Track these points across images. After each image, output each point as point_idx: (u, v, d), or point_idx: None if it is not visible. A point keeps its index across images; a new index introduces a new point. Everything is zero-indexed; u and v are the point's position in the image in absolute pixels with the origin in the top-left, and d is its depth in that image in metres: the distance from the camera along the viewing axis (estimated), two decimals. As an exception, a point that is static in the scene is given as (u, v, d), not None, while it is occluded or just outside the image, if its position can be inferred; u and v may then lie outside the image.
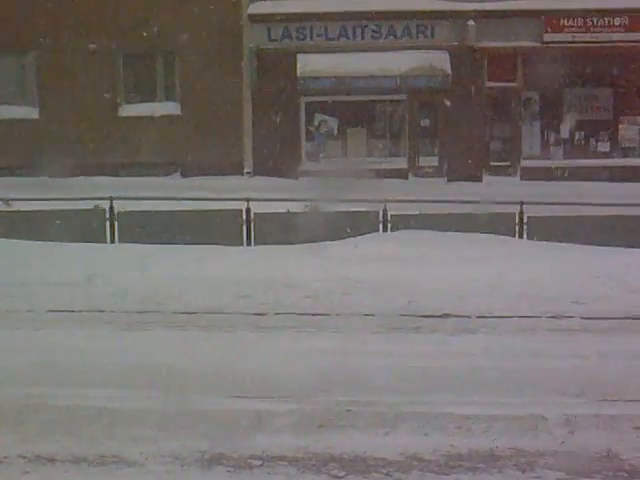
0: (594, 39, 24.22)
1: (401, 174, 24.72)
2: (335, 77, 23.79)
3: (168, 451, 7.40)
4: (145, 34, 23.84)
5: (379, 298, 11.61)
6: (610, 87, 25.12)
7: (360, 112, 25.07)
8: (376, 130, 25.17)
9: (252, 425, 7.89)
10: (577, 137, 25.19)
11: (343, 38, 24.32)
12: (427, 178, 24.66)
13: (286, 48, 24.19)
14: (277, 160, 24.45)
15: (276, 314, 11.11)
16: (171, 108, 24.71)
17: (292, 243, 14.21)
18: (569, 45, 24.28)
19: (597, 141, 25.19)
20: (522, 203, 14.72)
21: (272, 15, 24.03)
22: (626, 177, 24.36)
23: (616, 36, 24.21)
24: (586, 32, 24.25)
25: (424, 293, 11.81)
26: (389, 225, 14.87)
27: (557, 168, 24.66)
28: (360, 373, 9.03)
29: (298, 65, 23.80)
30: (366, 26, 24.24)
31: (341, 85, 23.89)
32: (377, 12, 23.95)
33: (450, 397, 8.54)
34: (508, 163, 25.09)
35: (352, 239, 14.15)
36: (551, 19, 24.14)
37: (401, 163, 24.95)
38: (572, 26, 24.24)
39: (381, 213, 14.90)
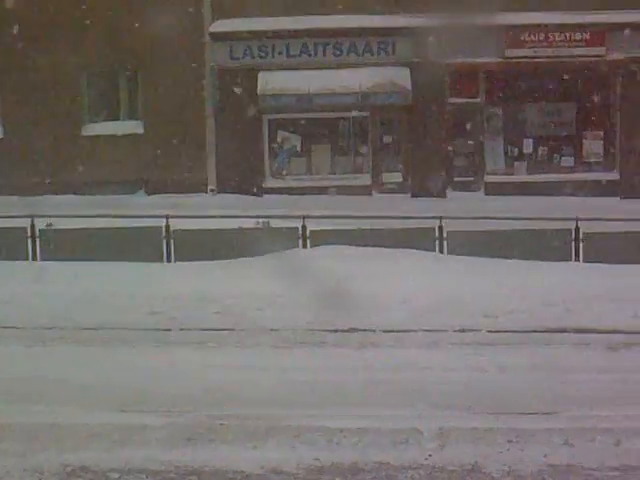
0: (556, 54, 24.23)
1: (365, 191, 24.74)
2: (296, 94, 23.86)
3: (32, 465, 7.43)
4: (109, 52, 23.96)
5: (289, 313, 11.64)
6: (573, 102, 25.12)
7: (323, 129, 25.13)
8: (340, 147, 25.21)
9: (123, 438, 7.92)
10: (541, 152, 25.17)
11: (305, 55, 24.38)
12: (391, 194, 24.66)
13: (248, 66, 24.26)
14: (241, 177, 24.52)
15: (181, 330, 11.14)
16: (134, 127, 24.77)
17: (223, 259, 14.24)
18: (531, 60, 24.30)
19: (561, 156, 25.17)
20: (441, 218, 14.72)
21: (234, 33, 24.10)
22: (590, 191, 24.36)
23: (577, 51, 24.21)
24: (547, 47, 24.26)
25: (335, 308, 11.83)
26: (308, 241, 14.86)
27: (521, 183, 24.66)
28: (247, 388, 9.05)
29: (259, 83, 23.88)
30: (328, 43, 24.31)
31: (302, 102, 23.95)
32: (338, 29, 24.00)
33: (330, 411, 8.56)
34: (472, 178, 25.10)
35: (275, 254, 14.16)
36: (512, 34, 24.17)
37: (365, 180, 24.97)
38: (533, 41, 24.26)
39: (300, 229, 14.90)
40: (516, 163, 25.17)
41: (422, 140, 24.60)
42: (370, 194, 24.79)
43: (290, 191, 24.44)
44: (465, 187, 24.99)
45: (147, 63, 24.14)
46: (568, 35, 24.20)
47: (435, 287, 12.62)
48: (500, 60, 24.37)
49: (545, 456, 7.75)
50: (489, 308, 12.02)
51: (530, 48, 24.28)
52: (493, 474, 7.40)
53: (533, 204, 22.29)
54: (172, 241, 15.29)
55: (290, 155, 25.10)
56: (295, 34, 24.14)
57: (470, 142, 25.10)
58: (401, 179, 24.98)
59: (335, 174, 25.07)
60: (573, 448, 7.91)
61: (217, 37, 24.24)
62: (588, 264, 14.29)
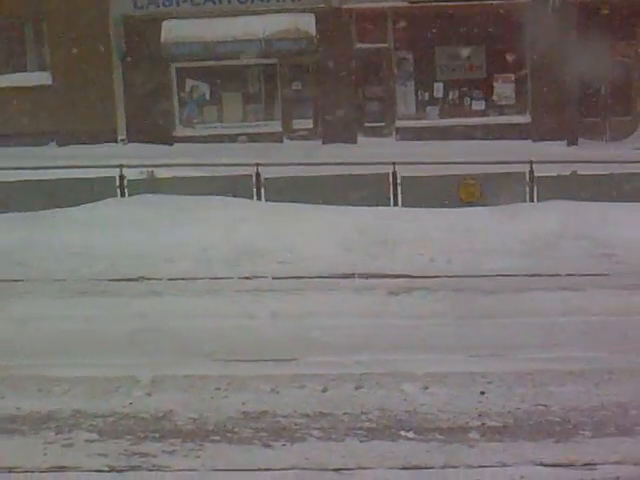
0: (462, -3, 24.06)
1: (276, 137, 24.76)
2: (199, 42, 23.81)
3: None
4: (12, 3, 23.88)
5: (83, 263, 11.79)
6: (483, 45, 24.97)
7: (233, 77, 25.10)
8: (251, 95, 25.20)
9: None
10: (451, 96, 25.11)
11: (209, 3, 24.27)
12: (302, 141, 24.67)
13: (153, 15, 24.19)
14: (152, 126, 24.52)
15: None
16: (43, 78, 24.76)
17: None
18: (438, 4, 24.13)
19: (472, 100, 25.10)
20: (257, 165, 14.76)
21: (138, -18, 24.02)
22: (502, 135, 24.34)
23: (485, -7, 24.06)
24: (454, -10, 24.11)
25: (132, 257, 11.99)
26: (126, 190, 14.89)
27: (433, 128, 24.64)
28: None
29: (162, 31, 23.82)
30: (233, -10, 24.21)
31: (206, 50, 23.90)
32: (243, -24, 23.91)
33: (59, 360, 8.73)
34: (383, 124, 25.07)
35: (90, 205, 14.19)
36: (418, -22, 24.02)
37: (275, 126, 24.99)
38: (440, -16, 24.09)
39: (117, 178, 14.91)
40: (428, 108, 25.13)
41: (331, 86, 24.54)
42: (281, 141, 24.82)
43: (201, 139, 24.48)
44: (376, 133, 24.96)
45: (52, 13, 24.08)
46: (475, -23, 23.98)
47: (241, 234, 12.72)
48: (406, 4, 24.21)
49: (243, 403, 7.91)
50: (288, 255, 12.17)
51: (437, -9, 24.09)
52: (179, 422, 7.57)
53: (453, 148, 22.14)
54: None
55: (200, 103, 25.07)
56: (200, -18, 24.01)
57: (381, 87, 24.99)
58: (311, 125, 24.96)
59: (246, 122, 25.05)
60: (277, 395, 8.07)
61: (121, -14, 24.13)
62: (406, 208, 14.34)
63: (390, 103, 25.03)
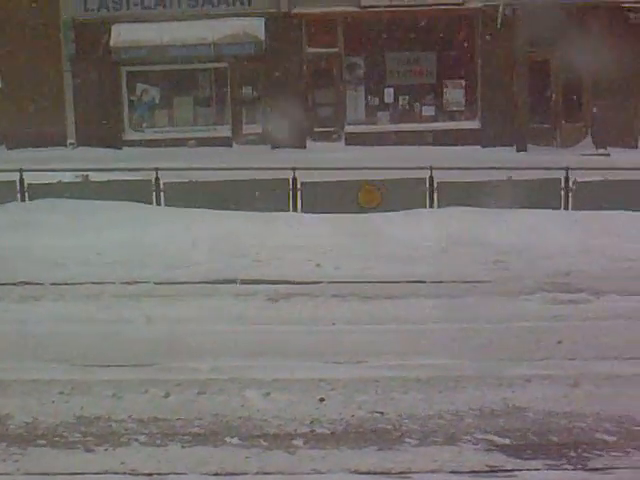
0: (412, 2, 24.09)
1: (225, 142, 24.81)
2: (149, 46, 23.86)
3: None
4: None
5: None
6: (434, 51, 25.02)
7: (184, 81, 25.17)
8: (201, 99, 25.25)
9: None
10: (402, 102, 25.16)
11: (160, 7, 24.35)
12: (251, 145, 24.72)
13: (103, 18, 24.25)
14: (101, 130, 24.60)
15: None
16: (-8, 81, 24.82)
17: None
18: (388, 9, 24.18)
19: (422, 105, 25.15)
20: (157, 169, 14.78)
21: (87, -15, 24.07)
22: (452, 141, 24.40)
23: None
24: (403, -4, 24.16)
25: (20, 261, 12.01)
26: (27, 195, 14.92)
27: (383, 133, 24.67)
28: None
29: (112, 35, 23.91)
30: (183, -5, 24.28)
31: (156, 54, 23.95)
32: (193, -20, 23.97)
33: None
34: (333, 129, 25.12)
35: None
36: (367, -17, 24.06)
37: (225, 131, 25.03)
38: (390, -10, 24.14)
39: (18, 183, 14.94)
40: (378, 113, 25.16)
41: (281, 91, 24.58)
42: (230, 145, 24.86)
43: (151, 143, 24.52)
44: (326, 138, 25.00)
45: (1, 16, 24.09)
46: (425, -17, 24.05)
47: (134, 239, 12.74)
48: (356, 9, 24.26)
49: (82, 408, 7.93)
50: (176, 260, 12.17)
51: (386, -3, 24.15)
52: (11, 426, 7.60)
53: (403, 153, 22.14)
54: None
55: (150, 107, 25.10)
56: (150, -15, 24.07)
57: (331, 92, 25.03)
58: (261, 130, 24.99)
59: (196, 126, 25.09)
60: (117, 400, 8.10)
61: (71, -11, 24.18)
62: (303, 214, 14.35)
63: (340, 108, 25.08)
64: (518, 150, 24.37)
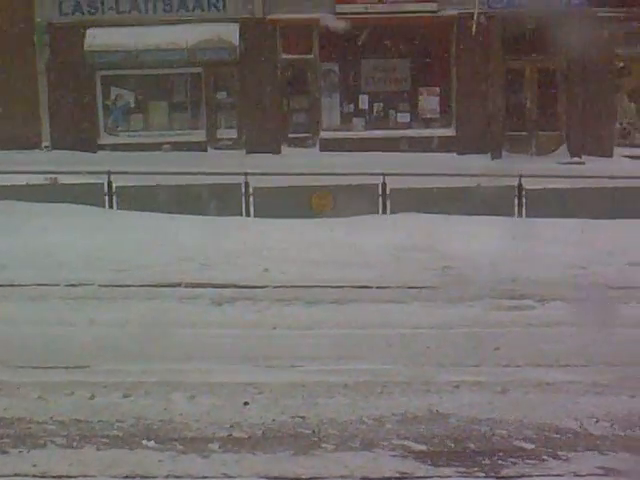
0: (387, 10, 24.11)
1: (200, 147, 24.79)
2: (122, 51, 23.84)
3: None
4: None
5: None
6: (409, 58, 25.02)
7: (159, 85, 25.14)
8: (176, 103, 25.24)
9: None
10: (377, 108, 25.15)
11: (134, 12, 24.33)
12: (226, 150, 24.70)
13: (77, 22, 24.23)
14: (76, 134, 24.56)
15: None
16: (-34, 83, 24.79)
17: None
18: (363, 16, 24.19)
19: (397, 112, 25.14)
20: (109, 173, 14.78)
21: (63, -12, 24.06)
22: (427, 147, 24.41)
23: (409, 7, 24.09)
24: (378, 3, 24.16)
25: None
26: None
27: (358, 139, 24.67)
28: None
29: (86, 39, 23.87)
30: (157, -1, 24.28)
31: (130, 59, 23.92)
32: (168, -15, 23.97)
33: None
34: (307, 135, 25.10)
35: None
36: (342, -10, 24.06)
37: (200, 136, 25.01)
38: (364, -3, 24.16)
39: None
40: (353, 119, 25.15)
41: (256, 96, 24.59)
42: (205, 150, 24.85)
43: (125, 147, 24.47)
44: (301, 143, 24.99)
45: (-24, 19, 24.10)
46: (399, -9, 24.06)
47: (83, 242, 12.74)
48: (331, 16, 24.23)
49: (5, 409, 7.92)
50: (123, 263, 12.17)
51: (361, 4, 24.18)
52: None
53: (374, 160, 22.09)
54: None
55: (125, 111, 25.09)
56: (125, -10, 24.07)
57: (306, 98, 25.04)
58: (236, 135, 24.99)
59: (171, 130, 25.08)
60: (42, 401, 8.08)
61: (46, -8, 24.18)
62: (255, 219, 14.35)
63: (315, 114, 25.07)
64: (493, 158, 24.36)
